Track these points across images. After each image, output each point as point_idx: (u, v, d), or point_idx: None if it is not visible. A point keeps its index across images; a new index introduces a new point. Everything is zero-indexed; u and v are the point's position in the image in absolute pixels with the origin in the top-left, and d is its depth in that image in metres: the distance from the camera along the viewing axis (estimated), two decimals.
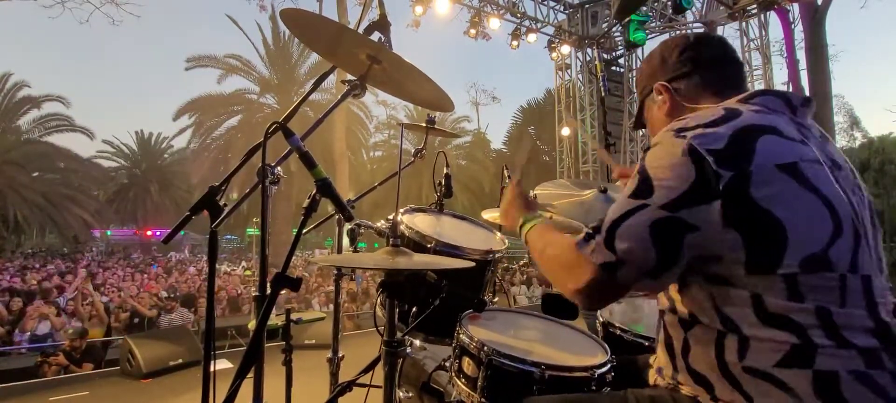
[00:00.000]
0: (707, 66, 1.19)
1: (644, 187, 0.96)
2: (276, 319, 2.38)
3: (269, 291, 1.13)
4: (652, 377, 1.18)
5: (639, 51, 12.84)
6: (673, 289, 1.07)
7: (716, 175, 0.90)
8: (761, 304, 0.90)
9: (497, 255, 1.84)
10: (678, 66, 1.21)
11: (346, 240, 2.02)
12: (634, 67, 13.36)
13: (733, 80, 1.18)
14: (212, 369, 1.28)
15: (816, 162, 0.95)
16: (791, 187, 0.90)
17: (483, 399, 1.38)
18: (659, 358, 1.14)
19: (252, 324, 1.36)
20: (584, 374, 1.34)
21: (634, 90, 13.28)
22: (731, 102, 1.07)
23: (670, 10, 11.73)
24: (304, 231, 1.36)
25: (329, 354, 2.43)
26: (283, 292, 1.23)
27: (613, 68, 13.43)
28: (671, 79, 1.22)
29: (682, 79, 1.21)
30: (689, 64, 1.20)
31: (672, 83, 1.21)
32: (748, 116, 0.98)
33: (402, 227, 1.74)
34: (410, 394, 1.96)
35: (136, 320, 7.66)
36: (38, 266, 17.45)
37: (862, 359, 0.85)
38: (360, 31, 1.39)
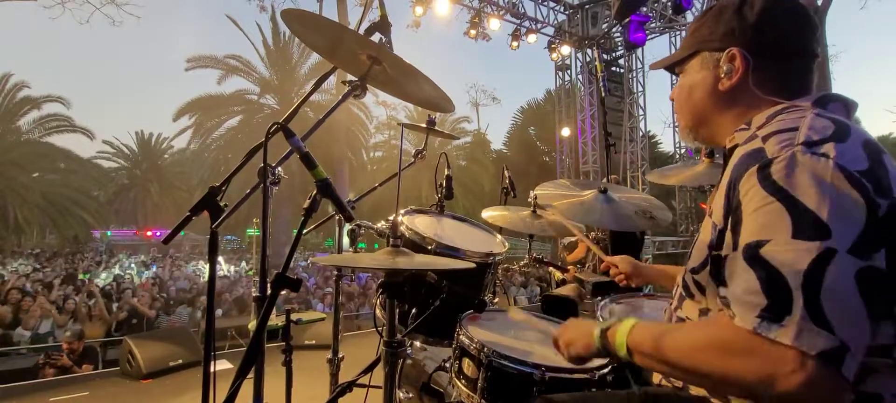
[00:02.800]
0: (805, 57, 0.96)
1: (809, 224, 0.72)
2: (276, 320, 2.38)
3: (269, 292, 1.13)
4: (657, 376, 1.15)
5: (639, 51, 12.86)
6: (716, 306, 0.91)
7: (875, 204, 0.74)
8: None
9: (497, 257, 1.85)
10: (776, 41, 0.95)
11: (346, 241, 2.02)
12: (634, 68, 13.36)
13: (811, 81, 0.97)
14: (212, 369, 1.28)
15: None
16: None
17: (483, 400, 1.38)
18: None
19: (252, 325, 1.36)
20: (584, 375, 1.34)
21: (634, 90, 13.31)
22: (807, 107, 0.88)
23: (670, 11, 11.73)
24: (305, 231, 1.36)
25: (329, 355, 2.43)
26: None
27: (613, 69, 13.44)
28: (757, 53, 0.95)
29: (771, 60, 0.95)
30: (790, 46, 0.95)
31: (755, 58, 0.95)
32: (856, 128, 0.82)
33: (402, 228, 1.74)
34: (410, 395, 1.96)
35: (135, 320, 7.66)
36: (38, 266, 17.44)
37: None
38: (361, 31, 1.40)
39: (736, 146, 0.93)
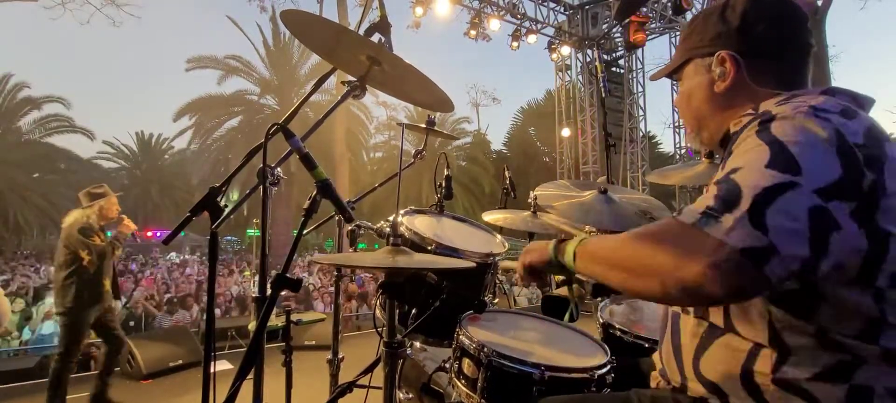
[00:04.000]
0: (797, 50, 0.98)
1: (785, 160, 0.74)
2: (276, 320, 2.38)
3: (269, 292, 1.13)
4: (654, 379, 1.15)
5: (639, 52, 12.86)
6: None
7: (861, 173, 0.75)
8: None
9: (497, 258, 1.84)
10: (762, 40, 0.97)
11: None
12: (635, 68, 13.37)
13: (807, 74, 0.98)
14: (212, 370, 1.28)
15: None
16: None
17: (483, 401, 1.38)
18: (663, 360, 1.10)
19: (252, 325, 1.37)
20: (584, 375, 1.34)
21: (634, 91, 13.32)
22: (816, 92, 0.89)
23: (670, 11, 11.73)
24: (305, 232, 1.37)
25: (329, 355, 2.43)
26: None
27: (614, 69, 13.44)
28: (746, 53, 0.98)
29: (761, 58, 0.97)
30: (776, 43, 0.97)
31: (744, 58, 0.98)
32: (865, 115, 0.83)
33: (402, 229, 1.74)
34: (410, 396, 1.96)
35: (132, 322, 7.67)
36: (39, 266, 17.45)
37: None
38: (361, 32, 1.40)
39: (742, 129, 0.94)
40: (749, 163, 0.76)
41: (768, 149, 0.76)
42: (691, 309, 0.99)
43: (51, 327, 6.89)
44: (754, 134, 0.80)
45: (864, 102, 0.92)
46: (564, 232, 2.14)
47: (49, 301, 7.82)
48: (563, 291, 2.11)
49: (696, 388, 0.98)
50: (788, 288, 0.78)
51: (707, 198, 0.76)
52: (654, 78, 1.25)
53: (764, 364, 0.85)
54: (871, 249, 0.76)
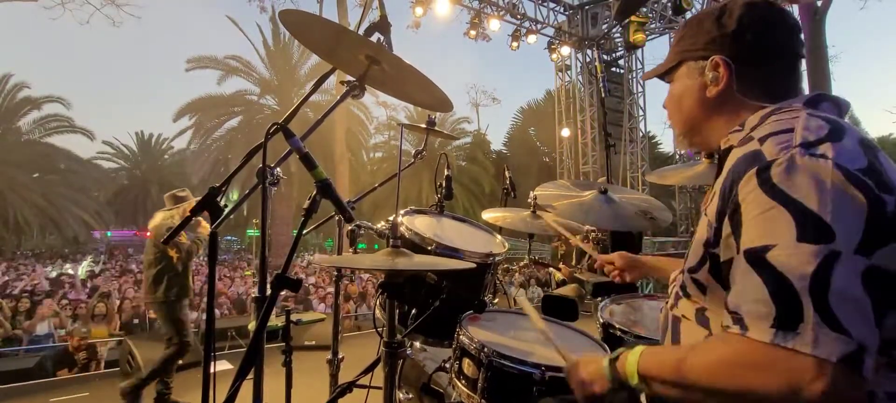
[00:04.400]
0: (788, 59, 0.98)
1: (812, 228, 0.72)
2: (276, 320, 2.38)
3: (269, 292, 1.13)
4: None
5: (639, 52, 12.86)
6: (719, 311, 0.89)
7: (881, 201, 0.74)
8: None
9: (497, 258, 1.84)
10: (755, 47, 0.97)
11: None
12: (634, 69, 13.37)
13: (798, 81, 0.98)
14: (212, 370, 1.28)
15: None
16: None
17: (483, 401, 1.38)
18: None
19: (252, 325, 1.36)
20: None
21: (634, 91, 13.32)
22: (799, 108, 0.89)
23: (670, 11, 11.74)
24: (305, 232, 1.37)
25: (329, 355, 2.43)
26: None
27: (613, 69, 13.44)
28: (739, 59, 0.97)
29: (754, 65, 0.97)
30: (770, 50, 0.97)
31: (737, 64, 0.97)
32: (850, 126, 0.82)
33: (402, 229, 1.74)
34: (410, 396, 1.96)
35: (136, 320, 7.67)
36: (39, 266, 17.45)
37: None
38: (361, 32, 1.40)
39: (730, 147, 0.94)
40: (779, 239, 0.74)
41: (788, 213, 0.74)
42: (691, 316, 0.98)
43: (46, 328, 6.88)
44: (758, 187, 0.79)
45: (843, 107, 0.92)
46: (562, 233, 2.14)
47: None
48: (564, 291, 2.11)
49: None
50: None
51: (759, 301, 0.74)
52: (646, 77, 1.27)
53: None
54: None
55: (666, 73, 1.12)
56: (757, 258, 0.76)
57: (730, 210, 0.84)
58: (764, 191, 0.78)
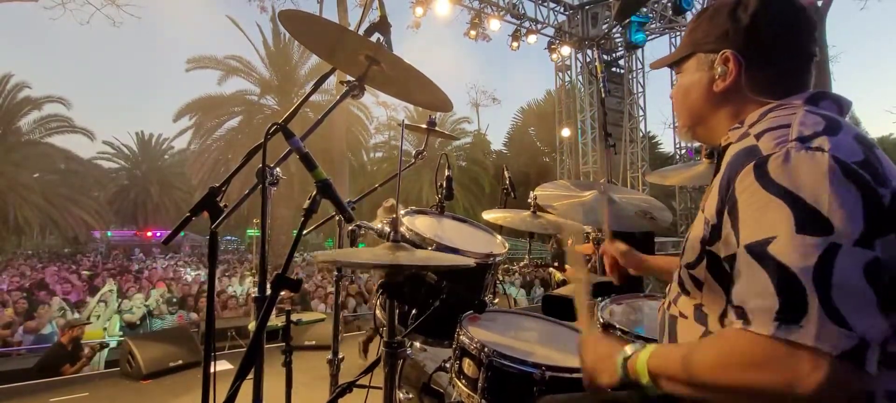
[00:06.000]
0: (800, 58, 0.96)
1: (811, 219, 0.72)
2: (276, 320, 2.38)
3: (269, 292, 1.13)
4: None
5: (639, 52, 12.87)
6: (714, 307, 0.91)
7: (877, 194, 0.74)
8: None
9: (497, 258, 1.84)
10: (768, 44, 0.95)
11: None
12: (634, 69, 13.37)
13: (808, 82, 0.97)
14: (212, 370, 1.28)
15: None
16: None
17: (483, 401, 1.38)
18: None
19: (252, 325, 1.36)
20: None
21: (634, 91, 13.32)
22: (798, 104, 0.89)
23: (670, 11, 11.74)
24: (305, 232, 1.36)
25: (329, 355, 2.43)
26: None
27: (613, 69, 13.45)
28: (750, 54, 0.96)
29: (764, 62, 0.96)
30: (783, 49, 0.95)
31: (747, 60, 0.96)
32: (847, 123, 0.82)
33: (402, 228, 1.74)
34: (411, 396, 1.96)
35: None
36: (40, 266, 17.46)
37: None
38: (361, 32, 1.40)
39: (730, 144, 0.94)
40: (778, 231, 0.74)
41: (785, 206, 0.74)
42: (690, 314, 0.98)
43: (50, 328, 6.89)
44: (755, 181, 0.79)
45: (844, 105, 0.92)
46: (563, 228, 2.13)
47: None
48: (564, 291, 2.11)
49: None
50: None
51: (763, 294, 0.74)
52: (654, 66, 1.25)
53: None
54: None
55: (675, 64, 1.11)
56: (759, 251, 0.76)
57: (728, 206, 0.84)
58: (761, 185, 0.78)
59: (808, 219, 0.72)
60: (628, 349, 0.93)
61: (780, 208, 0.75)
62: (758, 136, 0.84)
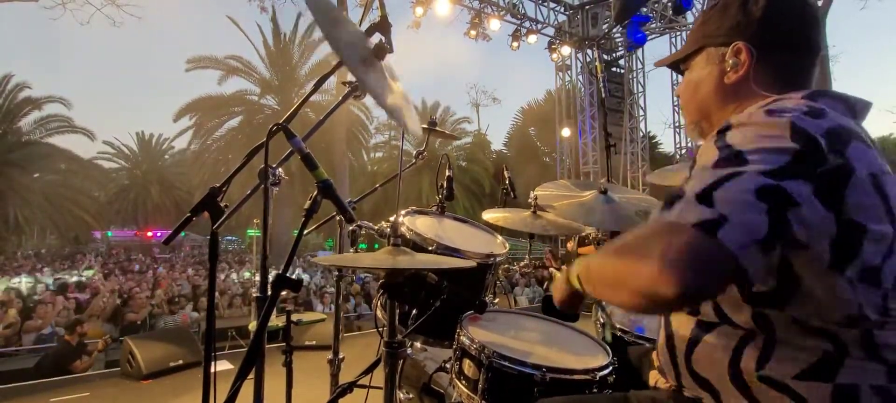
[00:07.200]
0: (809, 51, 0.97)
1: (731, 157, 0.76)
2: (276, 320, 2.38)
3: (269, 292, 1.13)
4: (653, 378, 1.15)
5: (639, 52, 12.86)
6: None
7: (818, 155, 0.75)
8: None
9: (498, 259, 1.84)
10: (781, 37, 0.96)
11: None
12: (635, 69, 13.37)
13: (813, 76, 0.98)
14: (212, 370, 1.28)
15: (887, 173, 0.84)
16: (872, 197, 0.78)
17: (483, 401, 1.37)
18: (660, 357, 1.09)
19: (252, 325, 1.36)
20: (585, 376, 1.33)
21: (634, 91, 13.32)
22: (796, 98, 0.89)
23: (670, 11, 11.74)
24: (306, 232, 1.36)
25: (329, 355, 2.43)
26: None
27: (614, 69, 13.45)
28: (762, 46, 0.96)
29: (775, 55, 0.96)
30: (794, 42, 0.96)
31: (759, 52, 0.96)
32: (834, 115, 0.83)
33: (402, 229, 1.74)
34: (411, 396, 1.96)
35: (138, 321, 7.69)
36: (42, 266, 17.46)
37: (885, 374, 0.80)
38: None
39: None
40: (697, 171, 0.78)
41: (718, 152, 0.78)
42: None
43: (50, 328, 6.90)
44: (712, 142, 0.81)
45: (856, 106, 0.91)
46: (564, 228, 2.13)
47: None
48: None
49: (690, 386, 0.98)
50: (767, 286, 0.80)
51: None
52: (659, 64, 1.24)
53: (749, 360, 0.86)
54: (842, 237, 0.76)
55: (683, 60, 1.10)
56: (676, 190, 0.79)
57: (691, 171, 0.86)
58: (713, 143, 0.81)
59: (728, 158, 0.76)
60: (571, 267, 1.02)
61: (712, 152, 0.79)
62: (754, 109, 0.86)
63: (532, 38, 11.76)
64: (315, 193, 1.20)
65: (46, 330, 6.87)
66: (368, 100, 1.37)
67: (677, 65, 1.14)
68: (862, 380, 0.79)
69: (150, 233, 31.31)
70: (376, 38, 1.40)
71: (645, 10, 11.38)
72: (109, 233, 32.65)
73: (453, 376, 1.51)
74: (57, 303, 7.77)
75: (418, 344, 1.99)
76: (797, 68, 0.97)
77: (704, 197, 0.72)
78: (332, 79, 1.57)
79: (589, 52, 13.02)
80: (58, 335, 6.73)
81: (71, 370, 5.33)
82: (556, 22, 12.60)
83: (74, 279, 12.64)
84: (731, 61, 0.98)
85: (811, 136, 0.75)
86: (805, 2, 0.98)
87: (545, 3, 12.24)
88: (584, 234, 2.17)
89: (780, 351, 0.84)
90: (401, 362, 1.65)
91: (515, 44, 11.73)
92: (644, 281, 0.70)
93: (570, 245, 2.06)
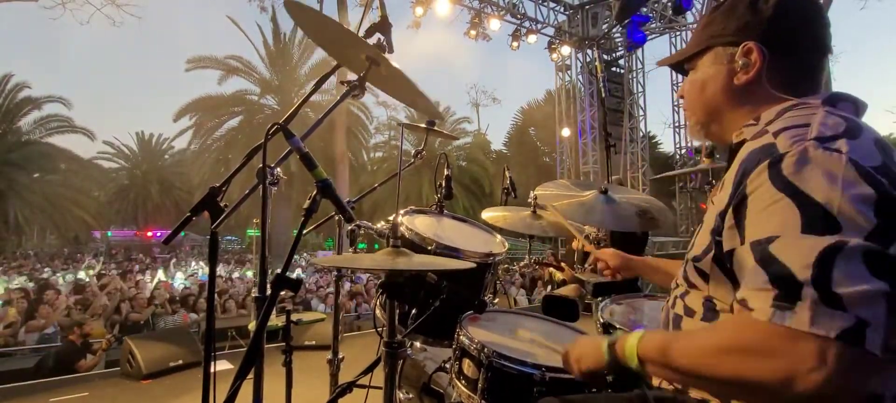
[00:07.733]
0: (819, 52, 0.96)
1: (819, 219, 0.71)
2: (276, 320, 2.38)
3: (269, 292, 1.13)
4: (656, 378, 1.15)
5: (639, 52, 12.87)
6: (724, 294, 0.90)
7: (893, 197, 0.72)
8: None
9: (497, 258, 1.84)
10: (792, 37, 0.94)
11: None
12: (635, 69, 13.37)
13: (822, 77, 0.97)
14: (212, 370, 1.28)
15: None
16: None
17: (483, 401, 1.37)
18: None
19: (252, 325, 1.36)
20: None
21: (634, 91, 13.32)
22: (817, 104, 0.87)
23: (670, 11, 11.74)
24: (305, 232, 1.36)
25: (329, 355, 2.43)
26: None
27: (614, 69, 13.45)
28: (773, 46, 0.94)
29: (786, 55, 0.94)
30: (805, 42, 0.95)
31: (771, 52, 0.93)
32: (867, 126, 0.81)
33: (402, 229, 1.73)
34: (411, 396, 1.96)
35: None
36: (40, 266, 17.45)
37: None
38: (361, 32, 1.40)
39: (743, 141, 0.92)
40: (783, 231, 0.73)
41: (794, 206, 0.73)
42: (697, 311, 0.98)
43: (52, 328, 6.90)
44: (767, 180, 0.77)
45: (860, 107, 0.91)
46: (566, 228, 2.13)
47: None
48: (564, 291, 2.11)
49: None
50: None
51: (761, 286, 0.73)
52: (662, 63, 1.23)
53: None
54: None
55: (688, 59, 1.08)
56: (762, 249, 0.75)
57: (736, 201, 0.83)
58: (773, 184, 0.76)
59: (815, 219, 0.71)
60: (615, 334, 0.93)
61: (789, 208, 0.73)
62: (775, 135, 0.83)
63: (532, 38, 11.76)
64: (314, 193, 1.20)
65: (49, 329, 6.86)
66: (368, 99, 1.38)
67: (680, 65, 1.12)
68: (886, 389, 0.75)
69: (150, 233, 31.30)
70: (376, 37, 1.41)
71: (645, 9, 11.37)
72: (109, 233, 32.63)
73: (453, 376, 1.51)
74: (60, 302, 7.76)
75: (418, 344, 1.99)
76: (809, 68, 0.95)
77: (829, 296, 0.66)
78: (332, 79, 1.57)
79: (589, 51, 13.02)
80: (62, 334, 6.73)
81: (76, 369, 5.33)
82: (555, 22, 12.60)
83: (80, 276, 12.63)
84: (741, 61, 0.95)
85: (876, 178, 0.72)
86: (814, 1, 0.97)
87: (545, 3, 12.24)
88: (585, 234, 2.17)
89: None
90: (400, 362, 1.65)
91: (515, 44, 11.73)
92: (800, 391, 0.66)
93: (576, 244, 2.05)
